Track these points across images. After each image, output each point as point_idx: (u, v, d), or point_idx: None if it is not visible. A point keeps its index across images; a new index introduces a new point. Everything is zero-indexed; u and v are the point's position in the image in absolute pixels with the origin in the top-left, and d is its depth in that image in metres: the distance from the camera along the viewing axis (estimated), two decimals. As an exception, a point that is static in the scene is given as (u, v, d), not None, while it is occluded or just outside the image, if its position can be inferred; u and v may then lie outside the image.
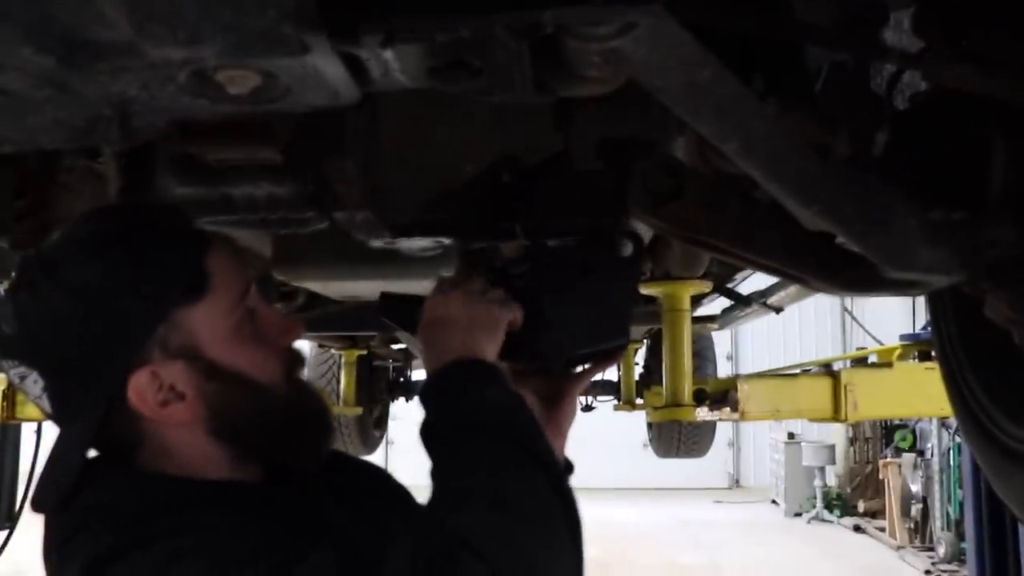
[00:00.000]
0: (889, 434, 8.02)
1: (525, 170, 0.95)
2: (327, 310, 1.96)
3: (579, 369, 0.90)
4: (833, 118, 0.77)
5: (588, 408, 3.73)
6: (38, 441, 2.53)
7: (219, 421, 0.69)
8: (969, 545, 4.39)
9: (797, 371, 3.12)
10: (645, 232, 0.86)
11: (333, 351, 3.64)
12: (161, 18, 0.47)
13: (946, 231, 0.74)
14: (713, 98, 0.59)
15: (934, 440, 6.67)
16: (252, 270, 0.76)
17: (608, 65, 0.55)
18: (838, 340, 10.05)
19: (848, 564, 6.67)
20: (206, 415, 0.69)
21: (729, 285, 2.58)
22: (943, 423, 6.27)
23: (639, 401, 3.44)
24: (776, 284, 2.48)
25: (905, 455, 7.51)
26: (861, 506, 8.56)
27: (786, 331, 9.63)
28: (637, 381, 3.63)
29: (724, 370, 7.10)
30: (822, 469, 8.75)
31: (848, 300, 9.29)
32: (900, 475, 7.48)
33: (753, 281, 2.63)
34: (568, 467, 0.82)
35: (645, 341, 3.72)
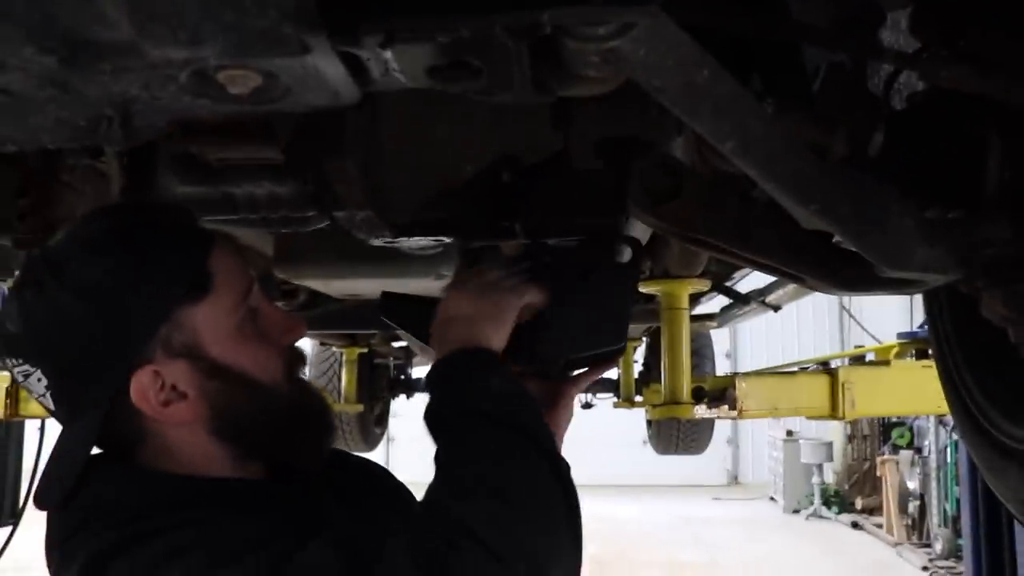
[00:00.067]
0: (887, 431, 8.04)
1: (525, 169, 0.96)
2: (328, 308, 1.96)
3: (575, 372, 0.90)
4: (830, 118, 0.77)
5: (587, 405, 3.74)
6: (41, 438, 2.54)
7: (221, 420, 0.70)
8: (966, 542, 4.41)
9: (795, 369, 3.12)
10: (644, 231, 0.87)
11: (334, 349, 3.64)
12: (162, 18, 0.47)
13: (942, 230, 0.74)
14: (711, 98, 0.59)
15: (931, 437, 6.69)
16: (254, 269, 0.76)
17: (606, 65, 0.56)
18: (836, 338, 10.07)
19: (846, 561, 6.69)
20: (208, 414, 0.69)
21: (728, 283, 2.59)
22: (941, 421, 6.29)
23: (638, 398, 3.45)
24: (774, 282, 2.48)
25: (903, 452, 7.53)
26: (859, 503, 8.59)
27: (784, 329, 9.65)
28: (636, 379, 3.64)
29: (723, 368, 7.12)
30: (820, 466, 8.78)
31: (846, 298, 9.30)
32: (898, 472, 7.50)
33: (752, 279, 2.64)
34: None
35: (644, 339, 3.73)
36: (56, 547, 0.67)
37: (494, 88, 0.59)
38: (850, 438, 8.98)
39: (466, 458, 0.69)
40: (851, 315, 9.43)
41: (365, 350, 3.51)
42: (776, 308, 2.70)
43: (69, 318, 0.65)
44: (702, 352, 3.85)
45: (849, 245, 0.72)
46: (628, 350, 3.48)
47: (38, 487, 0.70)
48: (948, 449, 6.29)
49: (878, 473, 8.09)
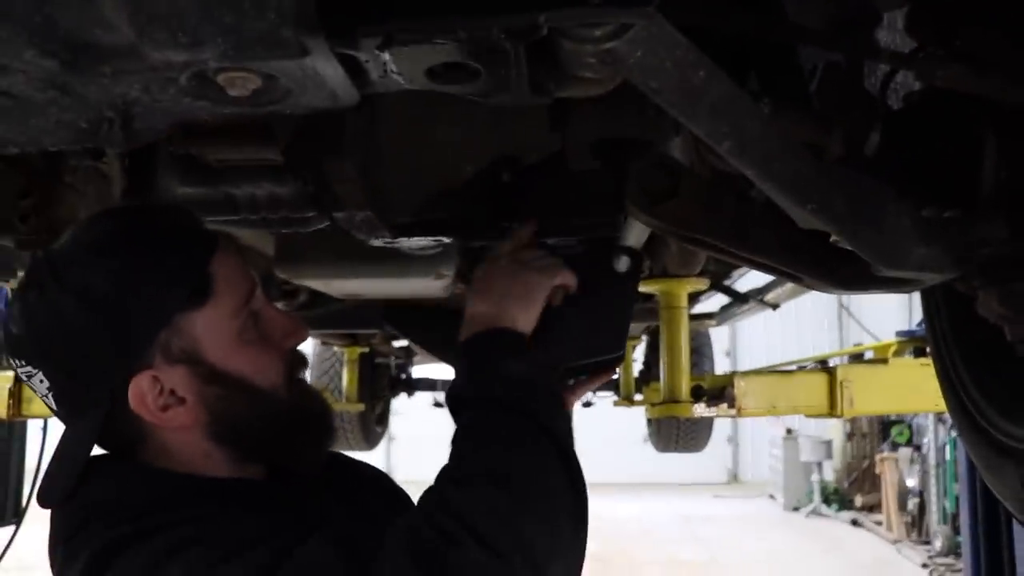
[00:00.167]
0: (886, 429, 8.05)
1: (524, 170, 0.96)
2: (329, 308, 1.97)
3: (574, 380, 0.91)
4: (827, 118, 0.77)
5: (587, 404, 3.74)
6: (44, 438, 2.54)
7: (219, 425, 0.70)
8: (965, 539, 4.41)
9: (793, 367, 3.12)
10: (642, 231, 0.87)
11: (335, 348, 3.65)
12: (162, 21, 0.47)
13: (938, 229, 0.74)
14: (707, 99, 0.59)
15: (930, 435, 6.70)
16: (256, 270, 0.76)
17: (603, 66, 0.56)
18: (835, 336, 10.08)
19: (846, 558, 6.69)
20: (206, 419, 0.70)
21: (726, 282, 2.60)
22: (939, 418, 6.30)
23: (638, 397, 3.45)
24: (773, 281, 2.49)
25: (902, 450, 7.54)
26: (858, 500, 8.60)
27: (784, 327, 9.65)
28: (636, 377, 3.65)
29: (722, 366, 7.12)
30: (820, 464, 8.79)
31: (845, 297, 9.31)
32: (897, 470, 7.50)
33: (750, 278, 2.64)
34: None
35: (644, 337, 3.74)
36: (59, 545, 0.68)
37: (492, 90, 0.60)
38: (849, 436, 8.99)
39: (475, 444, 0.69)
40: (850, 313, 9.44)
41: (366, 349, 3.52)
42: (775, 306, 2.71)
43: (69, 321, 0.66)
44: (701, 350, 3.86)
45: (846, 244, 0.72)
46: (628, 348, 3.48)
47: (41, 486, 0.71)
48: (947, 446, 6.30)
49: (877, 471, 8.10)
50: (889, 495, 7.53)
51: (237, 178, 0.93)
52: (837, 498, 8.79)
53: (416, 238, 1.03)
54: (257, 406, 0.71)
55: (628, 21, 0.52)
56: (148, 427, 0.69)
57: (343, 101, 0.59)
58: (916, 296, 1.12)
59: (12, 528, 2.76)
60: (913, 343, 2.82)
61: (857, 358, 3.29)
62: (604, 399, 3.77)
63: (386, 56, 0.55)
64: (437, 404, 4.36)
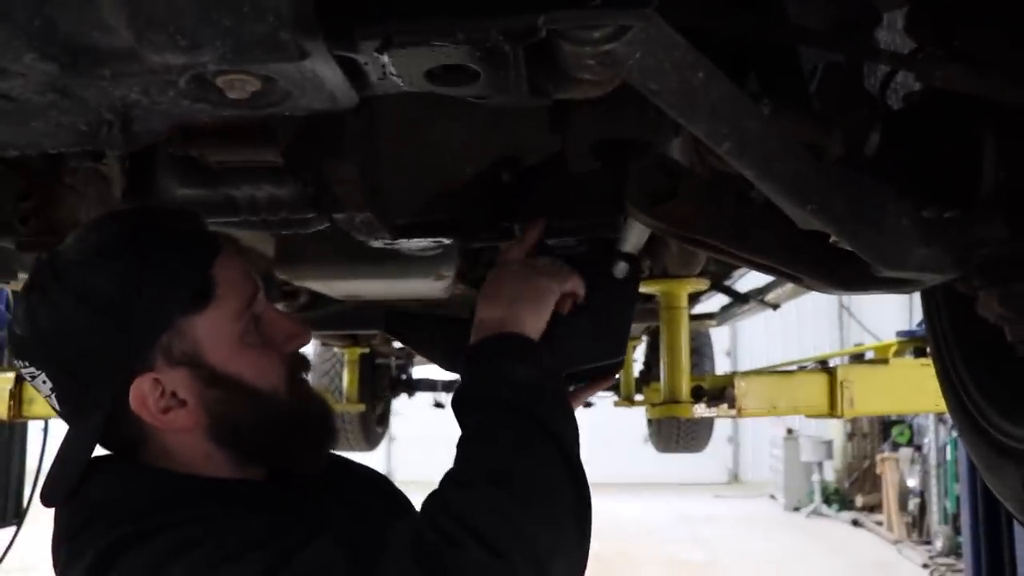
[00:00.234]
0: (887, 429, 8.04)
1: (524, 171, 0.96)
2: (329, 309, 1.97)
3: (574, 387, 0.91)
4: (827, 118, 0.77)
5: (588, 404, 3.73)
6: (45, 439, 2.54)
7: (220, 428, 0.70)
8: (965, 539, 4.41)
9: (794, 368, 3.12)
10: (642, 232, 0.87)
11: (336, 349, 3.65)
12: (161, 25, 0.47)
13: (938, 229, 0.74)
14: (707, 100, 0.59)
15: (931, 435, 6.69)
16: (256, 271, 0.77)
17: (602, 68, 0.56)
18: (836, 336, 10.07)
19: (847, 558, 6.69)
20: (207, 422, 0.70)
21: (726, 282, 2.60)
22: (940, 418, 6.29)
23: (638, 397, 3.45)
24: (773, 281, 2.49)
25: (902, 450, 7.54)
26: (859, 500, 8.59)
27: (785, 327, 9.64)
28: (636, 377, 3.65)
29: (723, 366, 7.12)
30: (820, 464, 8.79)
31: (845, 297, 9.31)
32: (898, 470, 7.50)
33: (751, 278, 2.64)
34: None
35: (644, 338, 3.74)
36: (63, 544, 0.68)
37: (491, 91, 0.60)
38: (850, 436, 8.99)
39: (480, 445, 0.70)
40: (851, 313, 9.44)
41: (366, 350, 3.52)
42: (775, 306, 2.71)
43: (72, 323, 0.66)
44: (702, 351, 3.86)
45: (846, 245, 0.72)
46: (628, 348, 3.48)
47: (44, 485, 0.71)
48: (948, 447, 6.29)
49: (878, 471, 8.09)
50: (890, 495, 7.52)
51: (237, 180, 0.93)
52: (838, 498, 8.78)
53: (416, 239, 1.03)
54: (258, 409, 0.71)
55: (627, 23, 0.52)
56: (149, 428, 0.69)
57: (342, 103, 0.59)
58: (917, 296, 1.12)
59: (13, 529, 2.77)
60: (914, 343, 2.82)
61: (858, 358, 3.29)
62: (604, 399, 3.76)
63: (385, 58, 0.55)
64: (437, 405, 4.37)
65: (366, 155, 0.94)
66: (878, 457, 8.12)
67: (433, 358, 0.98)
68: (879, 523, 7.80)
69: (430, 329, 0.95)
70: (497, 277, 0.80)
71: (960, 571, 5.56)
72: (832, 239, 0.73)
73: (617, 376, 3.65)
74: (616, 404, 3.71)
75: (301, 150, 0.88)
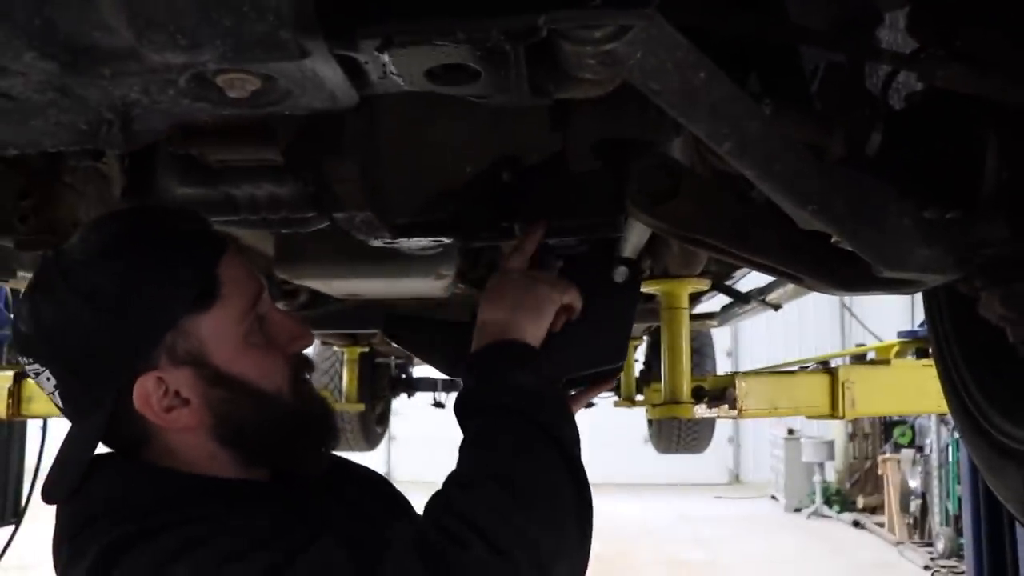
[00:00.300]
0: (888, 430, 8.03)
1: (525, 170, 0.96)
2: (329, 308, 1.97)
3: (574, 391, 0.91)
4: (829, 118, 0.77)
5: (588, 404, 3.73)
6: (44, 438, 2.54)
7: (224, 428, 0.71)
8: (967, 541, 4.41)
9: (795, 368, 3.12)
10: (643, 232, 0.87)
11: (336, 348, 3.65)
12: (161, 24, 0.47)
13: (940, 230, 0.74)
14: (708, 100, 0.59)
15: (933, 436, 6.68)
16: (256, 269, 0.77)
17: (603, 68, 0.56)
18: (838, 336, 10.06)
19: (848, 560, 6.68)
20: (211, 422, 0.70)
21: (728, 282, 2.59)
22: (942, 419, 6.28)
23: (639, 397, 3.45)
24: (774, 281, 2.48)
25: (904, 451, 7.52)
26: (860, 502, 8.58)
27: (786, 327, 9.63)
28: (637, 378, 3.64)
29: (724, 366, 7.11)
30: (821, 465, 8.78)
31: (847, 297, 9.30)
32: (899, 471, 7.49)
33: (752, 278, 2.64)
34: None
35: (645, 338, 3.73)
36: (64, 543, 0.68)
37: (492, 91, 0.60)
38: (851, 437, 8.98)
39: (482, 449, 0.70)
40: (852, 314, 9.42)
41: (366, 349, 3.52)
42: (776, 307, 2.70)
43: (76, 322, 0.66)
44: (703, 351, 3.85)
45: (847, 245, 0.72)
46: (629, 348, 3.48)
47: (45, 482, 0.71)
48: (950, 448, 6.28)
49: (879, 472, 8.08)
50: (891, 496, 7.51)
51: (237, 178, 0.93)
52: (839, 499, 8.77)
53: (416, 238, 1.03)
54: (262, 409, 0.71)
55: (628, 23, 0.52)
56: (153, 427, 0.69)
57: (342, 102, 0.59)
58: (918, 297, 1.12)
59: (12, 528, 2.77)
60: (915, 344, 2.82)
61: (859, 359, 3.29)
62: (605, 399, 3.76)
63: (385, 57, 0.55)
64: (437, 404, 4.37)
65: (366, 154, 0.94)
66: (879, 458, 8.10)
67: (432, 362, 0.98)
68: (880, 524, 7.79)
69: (429, 333, 0.95)
70: (499, 285, 0.82)
71: (962, 573, 5.55)
72: (833, 239, 0.73)
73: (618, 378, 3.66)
74: (616, 404, 3.71)
75: (301, 149, 0.88)
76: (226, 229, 1.01)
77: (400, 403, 4.60)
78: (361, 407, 3.64)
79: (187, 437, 0.70)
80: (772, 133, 0.65)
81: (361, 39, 0.53)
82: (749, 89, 0.78)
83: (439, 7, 0.52)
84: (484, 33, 0.53)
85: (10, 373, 2.44)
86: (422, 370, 4.44)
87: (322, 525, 0.67)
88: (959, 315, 1.07)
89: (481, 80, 0.58)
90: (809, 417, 2.37)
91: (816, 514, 8.59)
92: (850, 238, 0.70)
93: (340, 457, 0.86)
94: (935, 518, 6.58)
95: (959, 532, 5.77)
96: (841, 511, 8.57)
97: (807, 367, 3.29)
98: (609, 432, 6.99)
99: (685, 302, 2.08)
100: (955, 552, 6.05)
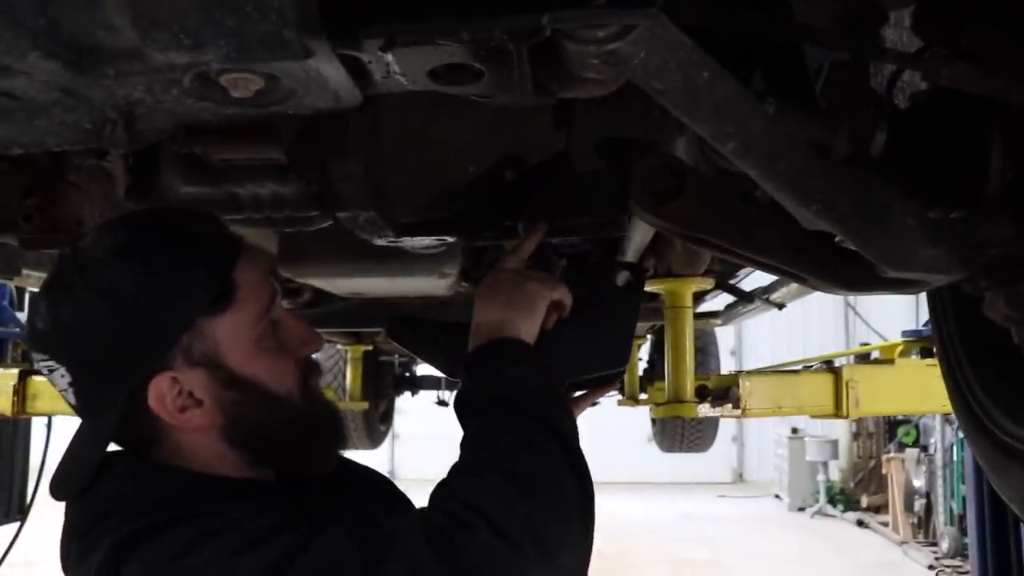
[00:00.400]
0: (892, 429, 8.01)
1: (528, 169, 0.96)
2: (333, 307, 1.97)
3: (576, 395, 0.92)
4: (833, 117, 0.77)
5: (593, 403, 3.73)
6: (48, 436, 2.56)
7: (235, 429, 0.71)
8: (972, 540, 4.39)
9: (799, 367, 3.11)
10: (645, 233, 0.87)
11: (339, 346, 3.66)
12: (165, 24, 0.48)
13: (944, 230, 0.74)
14: (712, 100, 0.59)
15: (937, 436, 6.66)
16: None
17: (607, 67, 0.56)
18: (842, 336, 10.03)
19: (851, 559, 6.67)
20: (222, 423, 0.71)
21: (731, 281, 2.59)
22: (946, 419, 6.26)
23: (642, 396, 3.45)
24: (778, 280, 2.48)
25: (908, 450, 7.50)
26: (864, 501, 8.56)
27: (790, 327, 9.61)
28: (641, 376, 3.64)
29: (728, 365, 7.09)
30: (825, 464, 8.75)
31: (851, 297, 9.26)
32: (903, 470, 7.47)
33: (756, 277, 2.63)
34: None
35: (649, 336, 3.73)
36: (74, 540, 0.68)
37: (495, 90, 0.60)
38: (855, 436, 8.95)
39: (484, 444, 0.71)
40: (856, 313, 9.40)
41: (370, 347, 3.52)
42: (780, 306, 2.69)
43: (93, 320, 0.67)
44: (706, 350, 3.84)
45: (851, 245, 0.72)
46: (632, 348, 3.47)
47: (53, 479, 0.72)
48: (954, 447, 6.26)
49: (884, 471, 8.06)
50: (895, 496, 7.50)
51: (241, 177, 0.93)
52: (843, 498, 8.75)
53: (420, 237, 1.03)
54: (273, 412, 0.72)
55: (631, 22, 0.52)
56: (164, 427, 0.70)
57: (346, 102, 0.59)
58: (923, 296, 1.11)
59: (17, 525, 2.78)
60: (919, 343, 2.81)
61: (863, 358, 3.27)
62: (609, 398, 3.76)
63: (389, 57, 0.55)
64: (441, 403, 4.37)
65: (370, 153, 0.94)
66: (884, 457, 8.08)
67: (435, 363, 0.98)
68: (884, 524, 7.77)
69: (432, 334, 0.96)
70: (491, 284, 0.83)
71: (966, 573, 5.53)
72: (837, 239, 0.73)
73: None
74: (620, 403, 3.70)
75: (305, 148, 0.88)
76: (229, 228, 1.01)
77: (404, 401, 4.61)
78: (365, 405, 3.64)
79: (198, 437, 0.71)
80: (776, 132, 0.65)
81: (365, 39, 0.53)
82: (753, 88, 0.78)
83: (442, 7, 0.52)
84: (487, 33, 0.53)
85: (15, 371, 2.45)
86: (426, 368, 4.45)
87: (329, 522, 0.67)
88: (963, 315, 1.06)
89: (484, 80, 0.58)
90: (813, 416, 2.37)
91: (820, 513, 8.57)
92: (854, 237, 0.70)
93: (345, 458, 0.86)
94: (939, 518, 6.56)
95: (963, 532, 5.76)
96: (845, 510, 8.55)
97: (811, 366, 3.28)
98: (613, 431, 6.99)
99: (689, 301, 2.08)
100: (959, 552, 6.03)
